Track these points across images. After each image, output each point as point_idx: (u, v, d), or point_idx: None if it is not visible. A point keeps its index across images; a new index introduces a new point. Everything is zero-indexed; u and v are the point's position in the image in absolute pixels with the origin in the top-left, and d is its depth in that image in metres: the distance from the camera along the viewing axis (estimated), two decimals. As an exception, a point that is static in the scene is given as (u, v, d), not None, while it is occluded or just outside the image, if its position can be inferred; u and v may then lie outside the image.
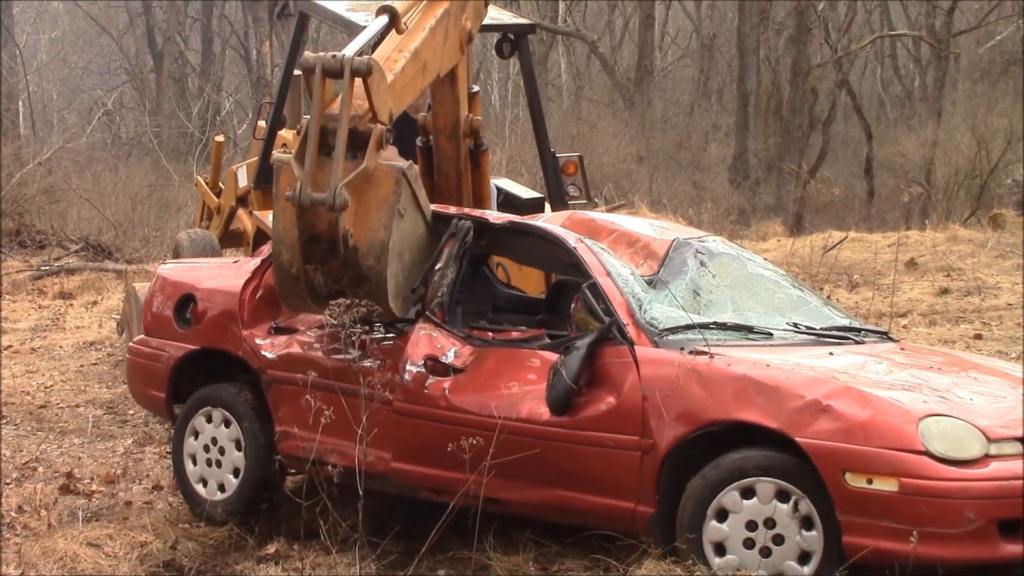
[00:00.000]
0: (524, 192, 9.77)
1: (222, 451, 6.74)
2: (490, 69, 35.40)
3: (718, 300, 6.13)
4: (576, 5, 36.36)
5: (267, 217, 10.02)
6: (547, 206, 9.52)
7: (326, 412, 5.91)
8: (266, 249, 6.88)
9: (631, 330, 5.69)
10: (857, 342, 6.14)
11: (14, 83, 31.00)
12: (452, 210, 6.66)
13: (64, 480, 7.53)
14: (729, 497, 5.26)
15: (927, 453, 5.00)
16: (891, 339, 6.43)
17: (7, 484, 7.47)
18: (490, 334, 6.20)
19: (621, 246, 6.27)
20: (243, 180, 11.14)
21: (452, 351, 6.08)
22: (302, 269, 5.81)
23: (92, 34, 39.10)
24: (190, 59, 38.21)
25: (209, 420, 6.82)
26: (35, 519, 6.76)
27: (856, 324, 6.51)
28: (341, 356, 6.22)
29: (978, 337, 11.48)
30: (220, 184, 12.36)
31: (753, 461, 5.24)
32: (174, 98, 34.13)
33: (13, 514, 6.83)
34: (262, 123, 11.31)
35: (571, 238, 6.22)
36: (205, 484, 6.79)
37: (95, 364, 11.39)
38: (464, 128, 7.76)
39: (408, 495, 6.11)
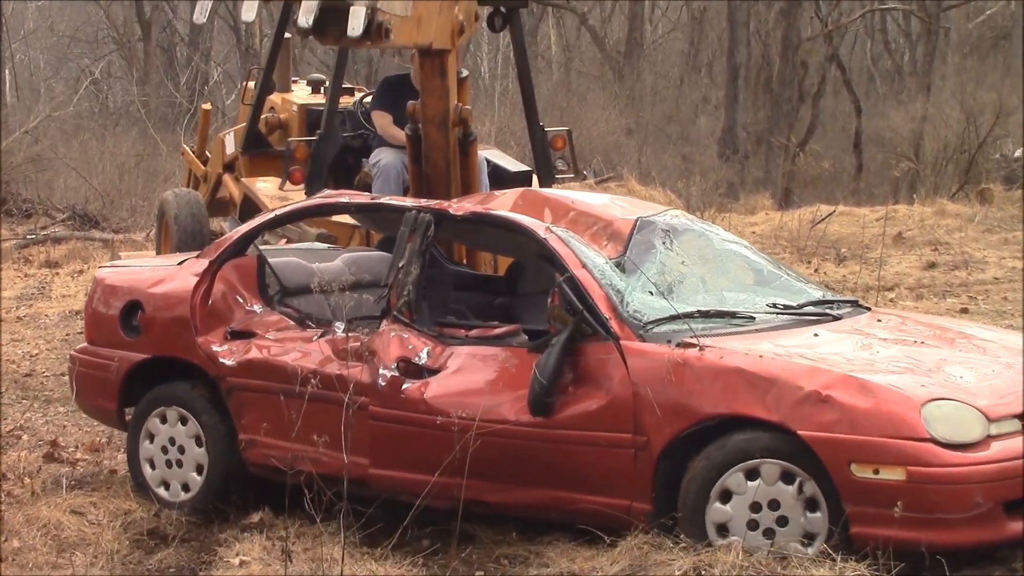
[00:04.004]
0: (512, 165, 9.76)
1: (182, 450, 6.48)
2: (480, 41, 35.27)
3: (690, 282, 6.03)
4: (566, -23, 36.23)
5: (255, 183, 10.02)
6: (535, 179, 9.51)
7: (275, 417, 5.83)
8: (212, 249, 6.73)
9: (615, 325, 5.56)
10: (835, 317, 6.06)
11: (0, 51, 30.82)
12: (409, 202, 6.49)
13: (48, 448, 7.51)
14: (734, 478, 5.20)
15: (932, 440, 4.97)
16: (863, 307, 6.36)
17: (-9, 452, 7.46)
18: (463, 331, 6.04)
19: (580, 227, 6.07)
20: (231, 146, 11.09)
21: (425, 351, 5.92)
22: None
23: (79, 2, 38.88)
24: (178, 28, 38.01)
25: (164, 420, 6.55)
26: (19, 487, 6.73)
27: (828, 296, 6.45)
28: (307, 361, 6.11)
29: (964, 311, 11.49)
30: (207, 152, 12.32)
31: (759, 443, 5.18)
32: (162, 67, 33.95)
33: (-3, 481, 6.81)
34: (251, 85, 11.26)
35: (540, 228, 6.00)
36: (167, 487, 6.52)
37: (81, 333, 11.35)
38: (453, 118, 7.72)
39: (388, 498, 5.98)
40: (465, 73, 8.11)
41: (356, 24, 6.63)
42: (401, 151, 8.95)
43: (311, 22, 6.58)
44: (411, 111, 7.80)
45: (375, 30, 6.69)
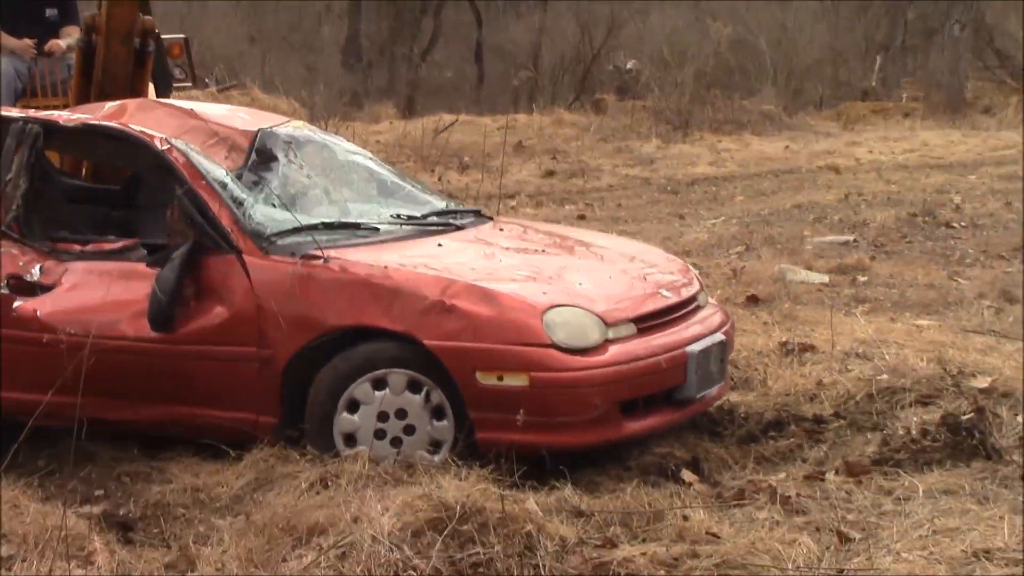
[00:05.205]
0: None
1: None
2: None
3: (314, 194, 5.99)
4: None
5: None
6: (151, 88, 9.20)
7: None
8: None
9: (237, 238, 5.47)
10: (458, 227, 6.12)
11: None
12: (16, 112, 6.17)
13: None
14: (361, 389, 5.22)
15: (553, 345, 5.10)
16: (485, 217, 6.46)
17: None
18: (78, 246, 5.82)
19: (200, 138, 5.91)
20: None
21: (38, 268, 5.70)
22: None
23: None
24: None
25: None
26: None
27: (451, 206, 6.52)
28: None
29: (582, 217, 11.92)
30: None
31: (386, 353, 5.21)
32: None
33: None
34: None
35: (158, 140, 5.81)
36: None
37: None
38: (137, 30, 7.38)
39: (8, 420, 5.66)
40: None
41: None
42: (11, 56, 8.53)
43: None
44: (89, 22, 7.39)
45: None
